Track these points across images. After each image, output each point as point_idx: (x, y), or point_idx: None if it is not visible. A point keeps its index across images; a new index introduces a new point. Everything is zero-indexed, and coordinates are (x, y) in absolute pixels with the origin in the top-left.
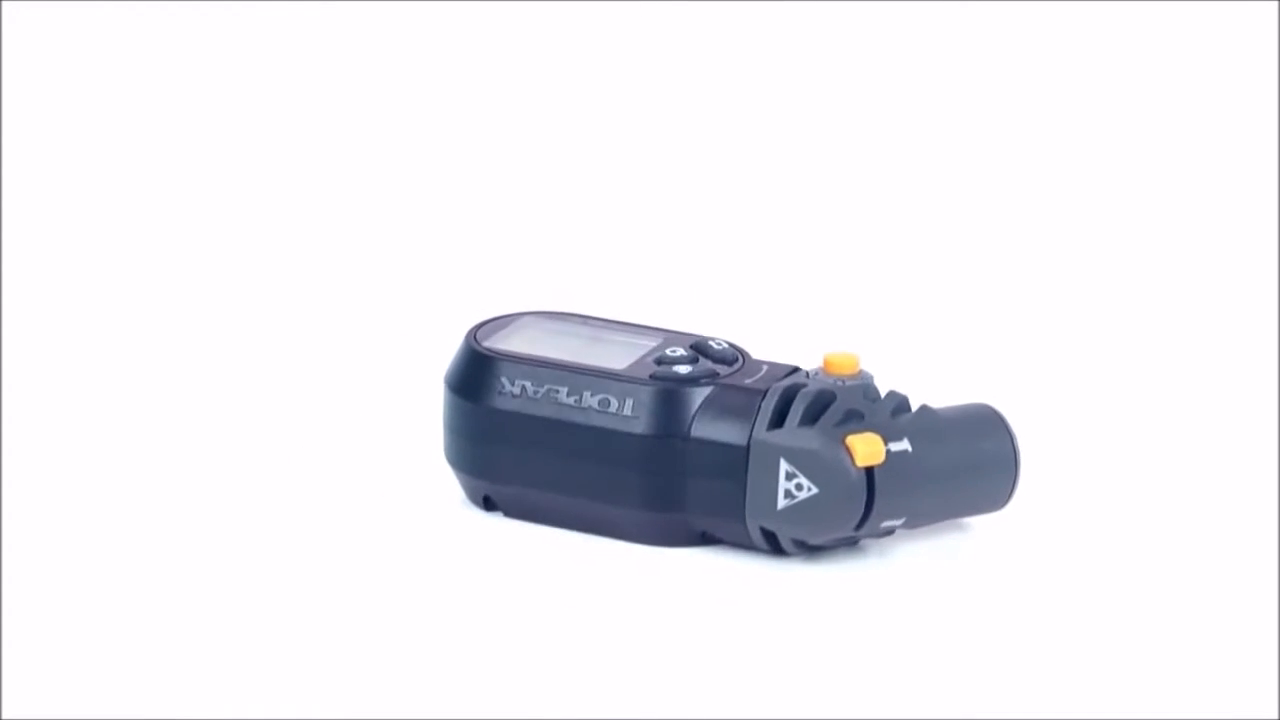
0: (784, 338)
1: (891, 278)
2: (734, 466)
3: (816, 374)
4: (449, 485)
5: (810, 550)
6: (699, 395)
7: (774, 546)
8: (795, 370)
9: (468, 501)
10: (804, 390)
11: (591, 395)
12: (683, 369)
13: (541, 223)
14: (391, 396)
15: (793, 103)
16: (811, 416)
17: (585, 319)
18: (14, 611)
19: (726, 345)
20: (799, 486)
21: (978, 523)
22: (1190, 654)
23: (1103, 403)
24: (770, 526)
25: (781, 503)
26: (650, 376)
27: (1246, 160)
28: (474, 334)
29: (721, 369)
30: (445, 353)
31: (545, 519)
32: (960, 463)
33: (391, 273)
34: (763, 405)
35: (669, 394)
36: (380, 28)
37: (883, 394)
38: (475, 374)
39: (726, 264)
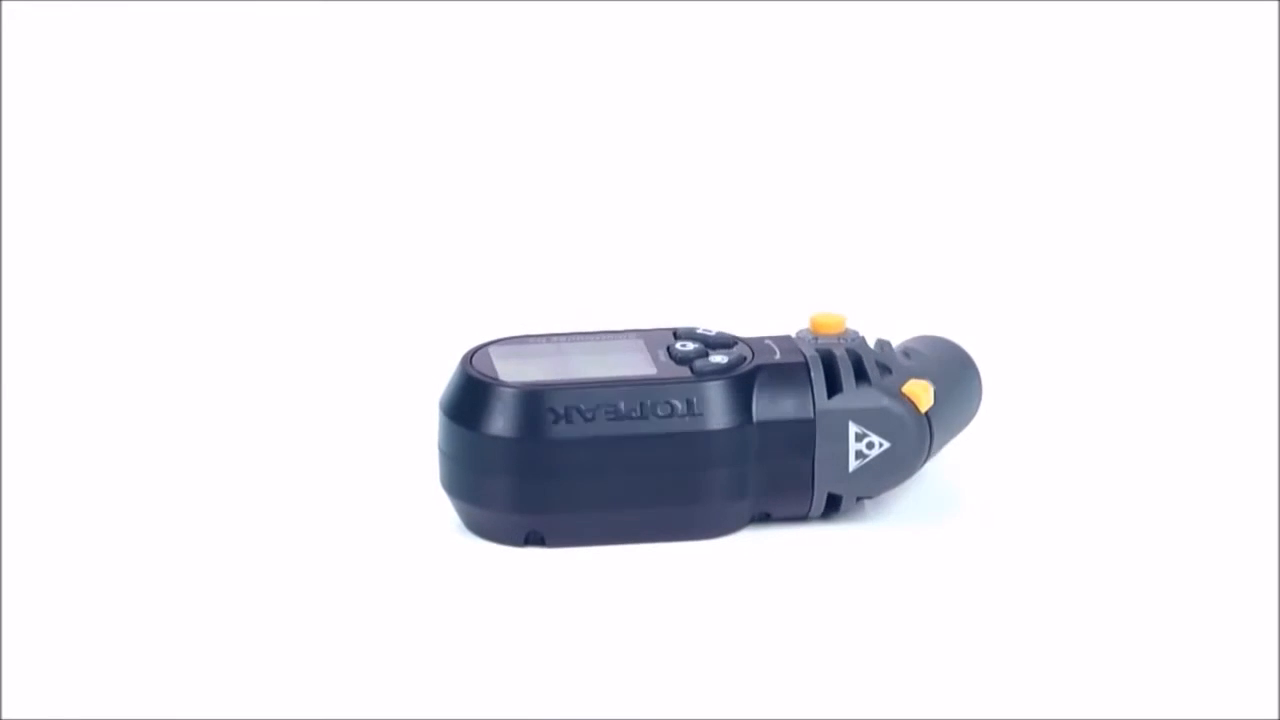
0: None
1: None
2: (803, 440)
3: (803, 336)
4: (438, 510)
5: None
6: (750, 381)
7: (830, 510)
8: (788, 338)
9: (462, 528)
10: (840, 355)
11: (650, 404)
12: (717, 359)
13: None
14: (373, 422)
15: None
16: (860, 377)
17: (547, 337)
18: (14, 611)
19: (713, 331)
20: (870, 445)
21: (977, 521)
22: (1186, 649)
23: (1081, 390)
24: (840, 490)
25: (853, 464)
26: (696, 373)
27: (1243, 156)
28: (497, 380)
29: (743, 352)
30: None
31: (597, 539)
32: (954, 386)
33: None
34: (813, 376)
35: (726, 385)
36: (376, 62)
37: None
38: (520, 411)
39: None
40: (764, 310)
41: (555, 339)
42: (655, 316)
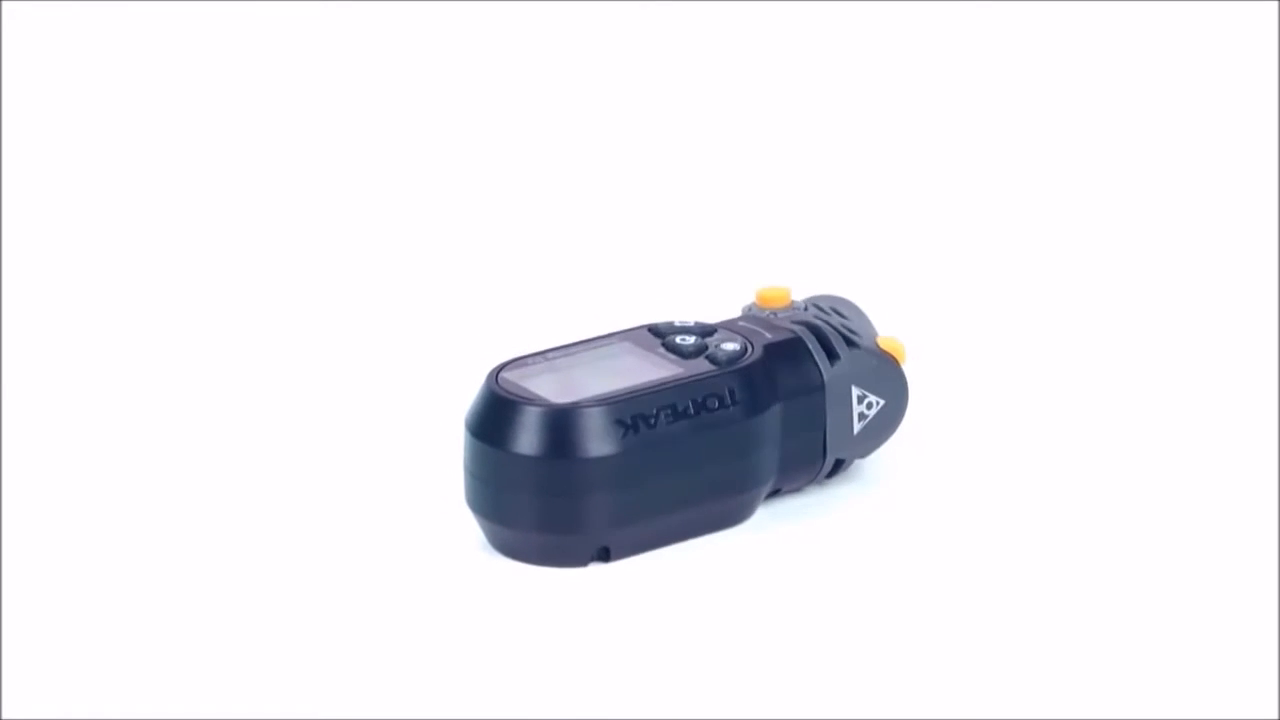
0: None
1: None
2: (816, 411)
3: (755, 312)
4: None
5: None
6: (766, 363)
7: (830, 475)
8: (752, 316)
9: (488, 546)
10: (823, 324)
11: (700, 400)
12: (729, 347)
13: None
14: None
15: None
16: (848, 342)
17: (542, 355)
18: (14, 611)
19: (689, 321)
20: (869, 405)
21: (972, 521)
22: (1178, 647)
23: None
24: (845, 454)
25: (857, 426)
26: (718, 366)
27: (1238, 152)
28: (555, 404)
29: (734, 337)
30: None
31: (653, 544)
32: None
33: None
34: (812, 348)
35: (750, 372)
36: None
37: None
38: (588, 429)
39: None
40: (679, 293)
41: (548, 355)
42: (580, 310)
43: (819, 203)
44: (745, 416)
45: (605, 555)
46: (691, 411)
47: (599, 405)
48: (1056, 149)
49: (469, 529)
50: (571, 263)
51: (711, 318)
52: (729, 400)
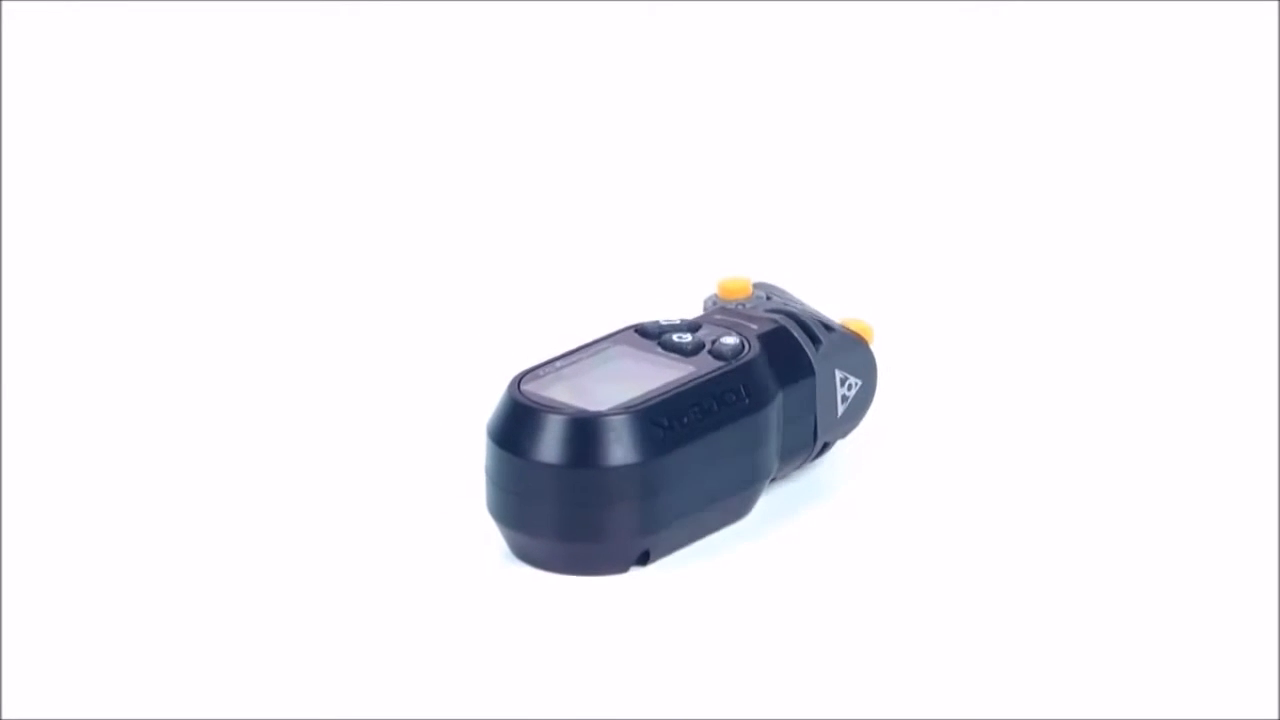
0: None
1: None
2: (808, 397)
3: (720, 303)
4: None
5: None
6: (764, 355)
7: (815, 458)
8: (719, 309)
9: (510, 556)
10: (798, 311)
11: (721, 395)
12: (729, 341)
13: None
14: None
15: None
16: (824, 329)
17: (548, 364)
18: (14, 611)
19: (675, 319)
20: (850, 387)
21: (969, 520)
22: (1170, 645)
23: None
24: (830, 437)
25: (841, 409)
26: (725, 360)
27: (1234, 150)
28: (592, 413)
29: (723, 331)
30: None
31: (680, 544)
32: None
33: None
34: (798, 337)
35: (755, 364)
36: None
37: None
38: (635, 432)
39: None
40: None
41: (556, 365)
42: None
43: (742, 192)
44: (758, 408)
45: (645, 559)
46: (715, 409)
47: (636, 410)
48: (997, 123)
49: (489, 537)
50: (511, 263)
51: (664, 312)
52: (744, 394)
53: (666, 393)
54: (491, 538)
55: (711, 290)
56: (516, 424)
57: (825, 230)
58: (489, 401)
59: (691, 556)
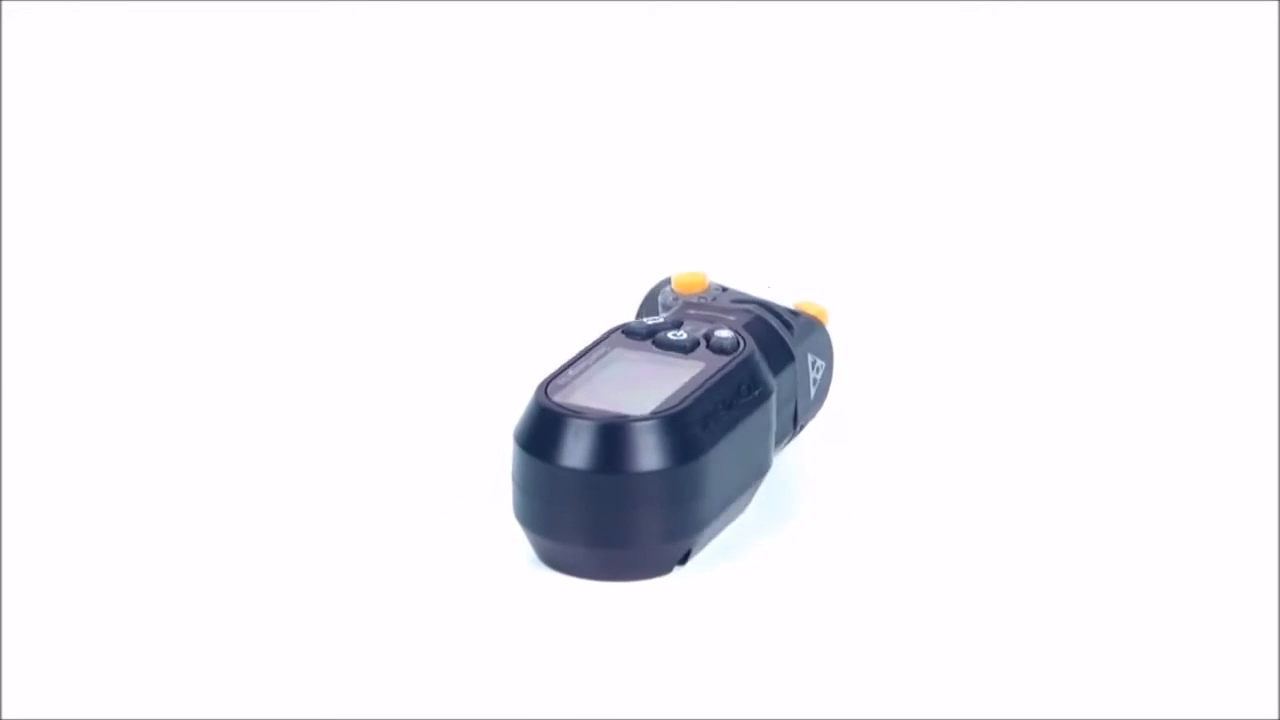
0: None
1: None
2: (792, 383)
3: (666, 295)
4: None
5: None
6: (757, 346)
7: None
8: (681, 305)
9: (536, 561)
10: (764, 303)
11: (738, 394)
12: (724, 335)
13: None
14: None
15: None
16: (791, 315)
17: (561, 373)
18: (14, 611)
19: (660, 318)
20: (818, 369)
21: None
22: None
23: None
24: (804, 420)
25: (813, 391)
26: (728, 355)
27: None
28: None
29: (718, 324)
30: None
31: (709, 539)
32: None
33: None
34: (775, 325)
35: (754, 356)
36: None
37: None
38: (680, 436)
39: None
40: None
41: (568, 374)
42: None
43: (656, 186)
44: (765, 399)
45: (685, 558)
46: (735, 403)
47: (675, 413)
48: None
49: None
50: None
51: (602, 309)
52: (753, 386)
53: (694, 392)
54: (517, 543)
55: (642, 286)
56: (567, 434)
57: (738, 220)
58: (474, 404)
59: (715, 556)
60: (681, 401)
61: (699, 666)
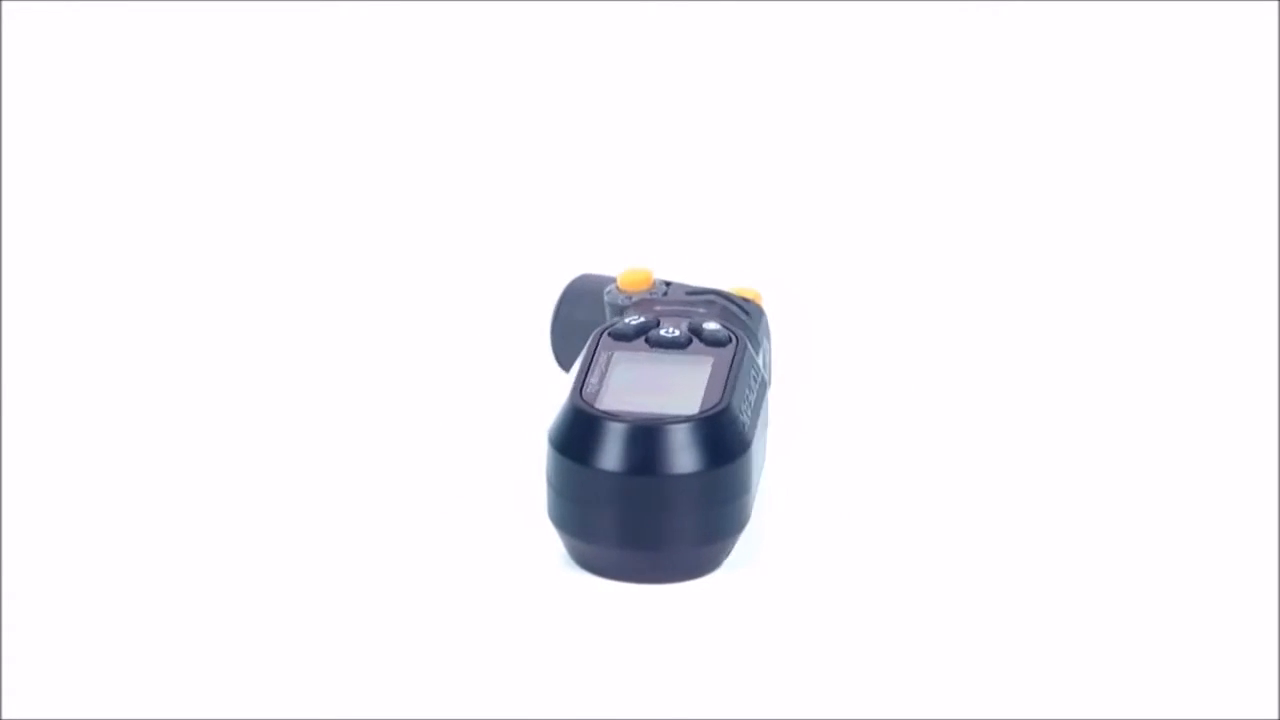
0: None
1: None
2: (761, 369)
3: (612, 292)
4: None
5: None
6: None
7: None
8: (645, 298)
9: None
10: (717, 292)
11: (748, 384)
12: (711, 327)
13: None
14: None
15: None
16: (744, 301)
17: (581, 379)
18: (14, 611)
19: (645, 318)
20: (766, 351)
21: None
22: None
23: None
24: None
25: (766, 374)
26: (723, 346)
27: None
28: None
29: (692, 319)
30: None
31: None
32: None
33: None
34: (737, 313)
35: (745, 346)
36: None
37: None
38: (728, 433)
39: None
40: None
41: (588, 381)
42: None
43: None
44: (765, 388)
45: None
46: (756, 395)
47: (726, 409)
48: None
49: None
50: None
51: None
52: (760, 375)
53: (724, 389)
54: (548, 545)
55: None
56: (634, 441)
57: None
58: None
59: (746, 557)
60: (719, 400)
61: (732, 669)
